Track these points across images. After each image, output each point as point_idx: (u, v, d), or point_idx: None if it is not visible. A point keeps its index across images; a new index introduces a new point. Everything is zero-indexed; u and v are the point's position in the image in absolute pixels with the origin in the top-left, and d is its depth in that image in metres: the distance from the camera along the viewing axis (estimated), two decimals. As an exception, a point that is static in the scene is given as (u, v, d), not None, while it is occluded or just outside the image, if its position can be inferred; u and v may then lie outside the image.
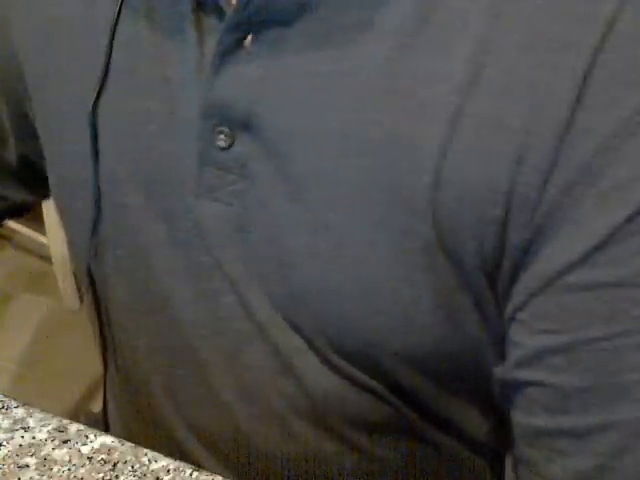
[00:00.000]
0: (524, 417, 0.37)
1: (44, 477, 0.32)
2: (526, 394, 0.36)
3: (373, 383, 0.40)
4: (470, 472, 0.45)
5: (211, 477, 0.32)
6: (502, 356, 0.39)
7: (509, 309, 0.36)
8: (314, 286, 0.37)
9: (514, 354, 0.36)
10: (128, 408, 0.49)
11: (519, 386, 0.37)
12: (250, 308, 0.40)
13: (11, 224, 1.46)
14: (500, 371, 0.38)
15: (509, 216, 0.34)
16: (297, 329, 0.39)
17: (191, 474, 0.32)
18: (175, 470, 0.32)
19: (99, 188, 0.42)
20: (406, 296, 0.36)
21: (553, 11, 0.32)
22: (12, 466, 0.32)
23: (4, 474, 0.32)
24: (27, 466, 0.32)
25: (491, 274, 0.36)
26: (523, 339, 0.36)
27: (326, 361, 0.39)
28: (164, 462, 0.33)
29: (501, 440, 0.45)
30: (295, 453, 0.43)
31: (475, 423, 0.44)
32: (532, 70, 0.32)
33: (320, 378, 0.40)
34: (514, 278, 0.36)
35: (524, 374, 0.36)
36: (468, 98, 0.33)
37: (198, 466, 0.33)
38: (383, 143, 0.34)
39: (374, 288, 0.37)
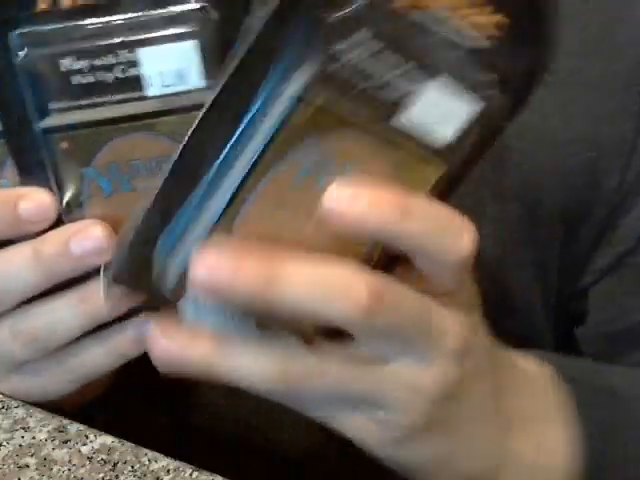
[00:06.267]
0: None
1: (44, 477, 0.32)
2: None
3: None
4: None
5: (211, 477, 0.32)
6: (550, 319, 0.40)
7: (609, 260, 0.38)
8: None
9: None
10: None
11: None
12: None
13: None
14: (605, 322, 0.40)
15: (602, 161, 0.35)
16: None
17: (191, 474, 0.32)
18: (175, 470, 0.32)
19: None
20: None
21: None
22: (12, 466, 0.32)
23: (4, 474, 0.32)
24: (27, 466, 0.32)
25: (574, 225, 0.37)
26: None
27: None
28: (164, 462, 0.33)
29: None
30: None
31: None
32: (623, 42, 0.36)
33: None
34: (612, 225, 0.38)
35: None
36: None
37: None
38: None
39: None
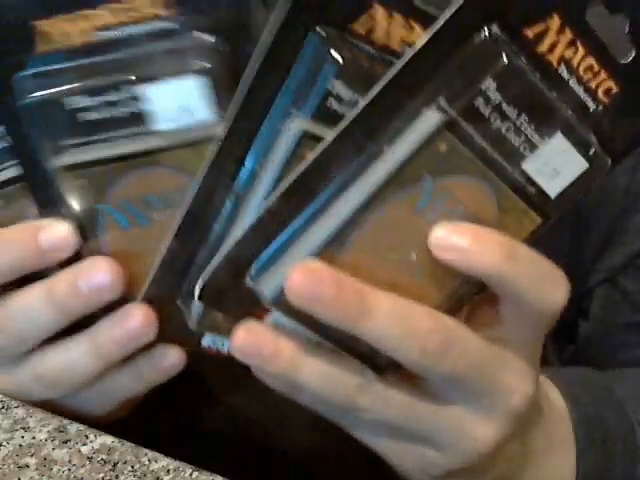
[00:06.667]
0: None
1: (44, 477, 0.32)
2: None
3: None
4: None
5: (211, 477, 0.32)
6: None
7: (621, 258, 0.40)
8: None
9: None
10: None
11: None
12: None
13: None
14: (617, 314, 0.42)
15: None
16: None
17: (191, 474, 0.32)
18: (175, 470, 0.32)
19: None
20: None
21: None
22: (12, 466, 0.32)
23: (4, 474, 0.32)
24: (27, 466, 0.32)
25: (582, 225, 0.38)
26: None
27: None
28: (164, 462, 0.33)
29: None
30: None
31: None
32: None
33: None
34: (622, 225, 0.39)
35: None
36: None
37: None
38: None
39: None
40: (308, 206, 0.27)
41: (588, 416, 0.36)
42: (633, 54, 0.28)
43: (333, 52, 0.27)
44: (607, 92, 0.28)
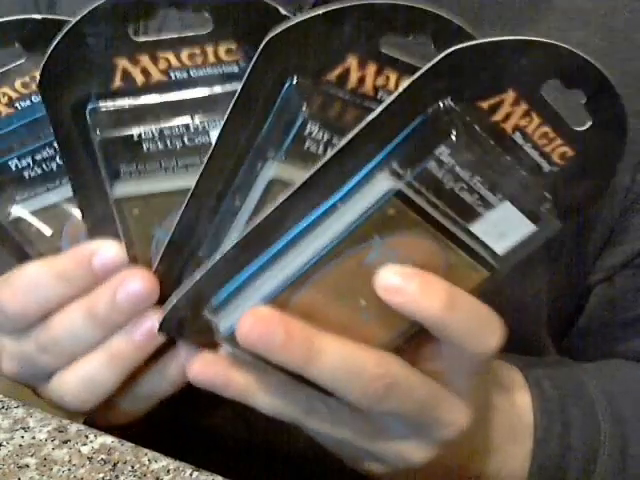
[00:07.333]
0: None
1: (44, 477, 0.32)
2: None
3: None
4: None
5: (211, 477, 0.32)
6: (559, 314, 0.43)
7: (622, 257, 0.40)
8: None
9: None
10: None
11: None
12: None
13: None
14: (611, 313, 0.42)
15: None
16: None
17: (191, 474, 0.32)
18: (175, 470, 0.32)
19: None
20: None
21: None
22: (12, 466, 0.32)
23: (4, 474, 0.32)
24: (27, 466, 0.32)
25: (586, 224, 0.39)
26: None
27: None
28: (164, 462, 0.33)
29: None
30: None
31: None
32: None
33: None
34: (623, 223, 0.39)
35: None
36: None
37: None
38: None
39: None
40: (263, 254, 0.29)
41: (550, 410, 0.38)
42: (589, 123, 0.29)
43: (304, 102, 0.29)
44: (562, 156, 0.29)
